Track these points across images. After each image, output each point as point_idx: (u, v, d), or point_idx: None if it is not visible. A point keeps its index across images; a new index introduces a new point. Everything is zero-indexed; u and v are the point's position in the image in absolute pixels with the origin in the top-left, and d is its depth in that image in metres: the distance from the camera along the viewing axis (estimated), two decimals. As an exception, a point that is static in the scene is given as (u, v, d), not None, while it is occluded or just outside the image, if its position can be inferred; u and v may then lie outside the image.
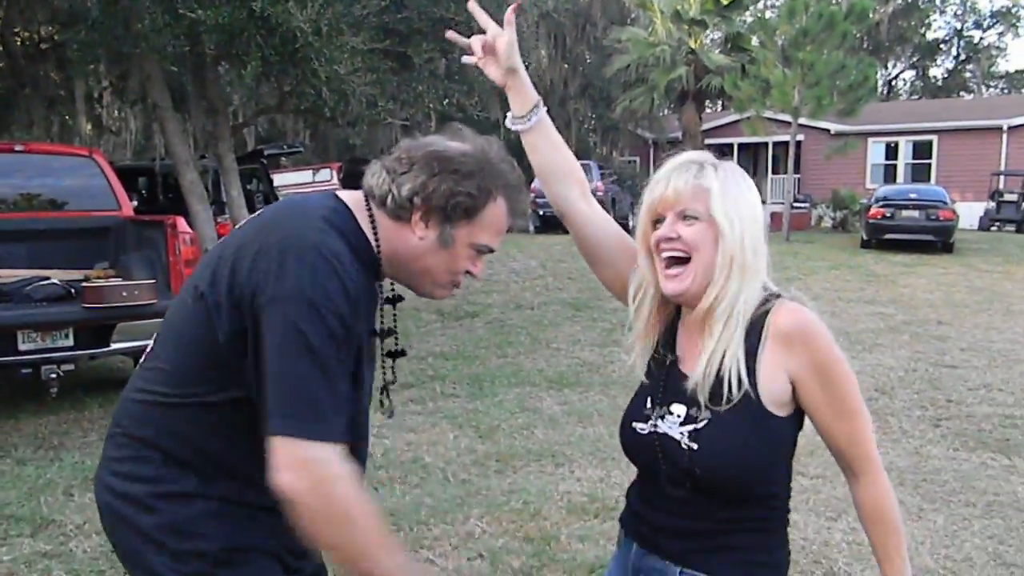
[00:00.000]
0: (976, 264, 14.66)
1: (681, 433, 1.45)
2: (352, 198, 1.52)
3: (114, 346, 5.49)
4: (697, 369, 1.45)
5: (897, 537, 1.47)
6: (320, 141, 22.78)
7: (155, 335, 1.57)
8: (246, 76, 8.26)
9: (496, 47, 1.64)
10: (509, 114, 1.70)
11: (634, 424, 1.53)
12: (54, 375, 5.26)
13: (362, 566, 1.35)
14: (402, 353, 1.70)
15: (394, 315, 1.67)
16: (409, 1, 8.33)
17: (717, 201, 1.44)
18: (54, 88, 13.02)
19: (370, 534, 1.36)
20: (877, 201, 17.48)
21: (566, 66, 27.48)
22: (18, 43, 12.26)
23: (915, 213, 16.77)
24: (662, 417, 1.49)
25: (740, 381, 1.41)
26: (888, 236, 16.68)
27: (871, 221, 17.03)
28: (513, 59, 1.65)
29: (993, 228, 22.36)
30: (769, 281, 1.49)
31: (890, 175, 25.85)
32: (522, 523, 3.92)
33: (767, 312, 1.43)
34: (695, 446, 1.43)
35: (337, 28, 7.14)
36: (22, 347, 5.22)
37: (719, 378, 1.43)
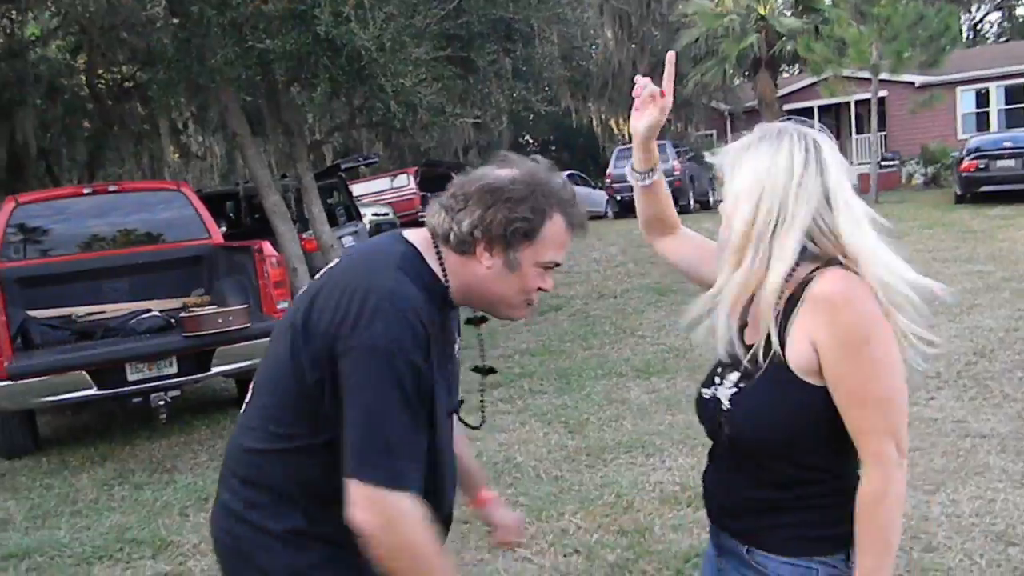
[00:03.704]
0: (1081, 210, 13.93)
1: (727, 396, 1.53)
2: (419, 237, 1.61)
3: (215, 370, 5.78)
4: (723, 334, 1.53)
5: (878, 542, 1.42)
6: (395, 149, 23.16)
7: (253, 382, 1.68)
8: (317, 97, 8.50)
9: (662, 104, 1.70)
10: (630, 165, 1.81)
11: (702, 390, 1.62)
12: (162, 402, 5.58)
13: None
14: (491, 370, 1.82)
15: (479, 336, 1.76)
16: (467, 6, 8.42)
17: (727, 176, 1.54)
18: (140, 124, 13.63)
19: (434, 572, 1.48)
20: (969, 153, 16.74)
21: (633, 47, 27.18)
22: (103, 85, 12.90)
23: (1011, 162, 16.00)
24: (722, 382, 1.56)
25: (769, 345, 1.45)
26: (983, 189, 15.96)
27: (964, 174, 16.34)
28: (659, 123, 1.73)
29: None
30: (861, 246, 1.45)
31: (983, 123, 24.68)
32: (616, 516, 3.97)
33: (812, 279, 1.44)
34: (730, 407, 1.51)
35: (399, 42, 7.29)
36: (131, 377, 5.55)
37: (752, 343, 1.50)
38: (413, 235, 1.62)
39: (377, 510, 1.43)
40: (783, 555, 1.49)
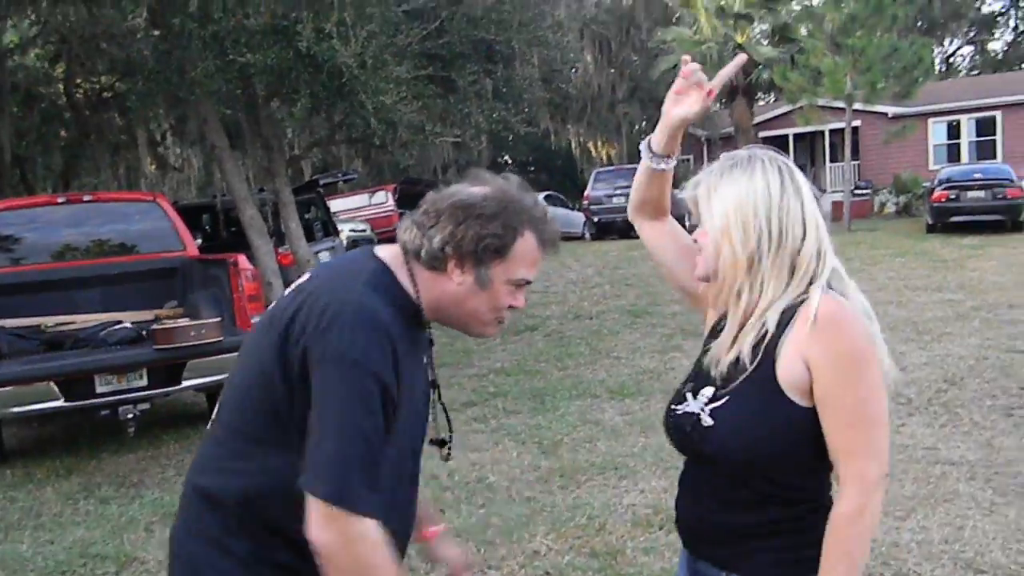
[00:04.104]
0: (1049, 242, 14.19)
1: (703, 409, 1.51)
2: (390, 253, 1.60)
3: (186, 383, 5.71)
4: (716, 352, 1.53)
5: (845, 563, 1.41)
6: (374, 166, 23.17)
7: (220, 398, 1.66)
8: (297, 112, 8.51)
9: (709, 92, 1.62)
10: (648, 144, 1.70)
11: (672, 405, 1.60)
12: (131, 415, 5.50)
13: None
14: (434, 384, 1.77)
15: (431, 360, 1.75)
16: (449, 26, 8.48)
17: (703, 205, 1.53)
18: (117, 134, 13.54)
19: None
20: (940, 183, 17.06)
21: (612, 71, 27.49)
22: (80, 94, 12.81)
23: (980, 193, 16.33)
24: (695, 397, 1.55)
25: (755, 359, 1.45)
26: (954, 219, 16.25)
27: (935, 204, 16.63)
28: (695, 117, 1.65)
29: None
30: (833, 273, 1.49)
31: (954, 155, 25.12)
32: (587, 538, 3.96)
33: (802, 302, 1.46)
34: (711, 422, 1.49)
35: (381, 60, 7.32)
36: (100, 389, 5.47)
37: (737, 360, 1.48)
38: (384, 251, 1.61)
39: (336, 528, 1.40)
40: None
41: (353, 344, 1.43)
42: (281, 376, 1.48)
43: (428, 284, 1.57)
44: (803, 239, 1.48)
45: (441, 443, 1.76)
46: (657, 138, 1.68)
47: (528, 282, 1.60)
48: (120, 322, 6.16)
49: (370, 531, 1.42)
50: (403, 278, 1.57)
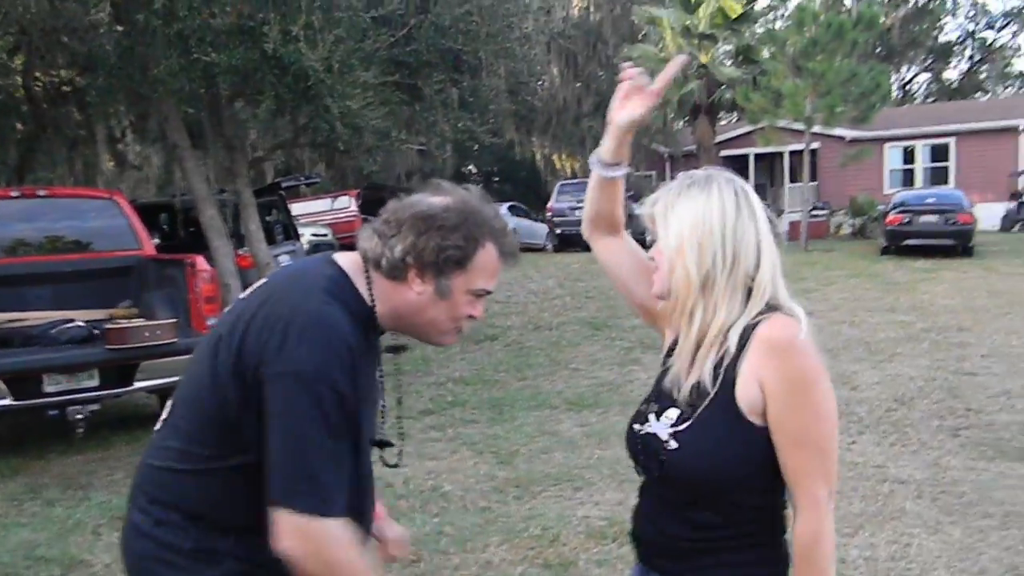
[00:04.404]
0: (996, 267, 14.55)
1: (668, 434, 1.51)
2: (349, 261, 1.60)
3: (138, 384, 5.62)
4: (671, 373, 1.54)
5: None
6: (337, 170, 22.99)
7: (171, 401, 1.65)
8: (261, 114, 8.43)
9: (649, 101, 1.63)
10: (597, 155, 1.70)
11: (634, 424, 1.61)
12: (80, 415, 5.39)
13: None
14: (403, 348, 1.83)
15: (395, 365, 1.77)
16: (417, 34, 8.45)
17: (660, 223, 1.54)
18: (75, 129, 13.26)
19: None
20: (895, 207, 17.41)
21: (579, 85, 27.63)
22: (39, 87, 12.54)
23: (933, 218, 16.69)
24: (658, 418, 1.55)
25: (715, 381, 1.47)
26: (907, 242, 16.59)
27: (889, 227, 16.96)
28: (641, 120, 1.66)
29: (1015, 229, 22.15)
30: (782, 296, 1.51)
31: (908, 179, 25.68)
32: (541, 549, 3.96)
33: (758, 323, 1.47)
34: (675, 445, 1.49)
35: (348, 64, 7.28)
36: (48, 389, 5.36)
37: (697, 384, 1.49)
38: (343, 258, 1.62)
39: (304, 538, 1.42)
40: None
41: (312, 356, 1.43)
42: (235, 385, 1.48)
43: (387, 293, 1.58)
44: (757, 262, 1.50)
45: (381, 444, 1.76)
46: (606, 146, 1.68)
47: (488, 292, 1.62)
48: (72, 320, 6.04)
49: (340, 532, 1.45)
50: (360, 285, 1.58)
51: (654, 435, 1.54)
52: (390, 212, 1.58)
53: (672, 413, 1.53)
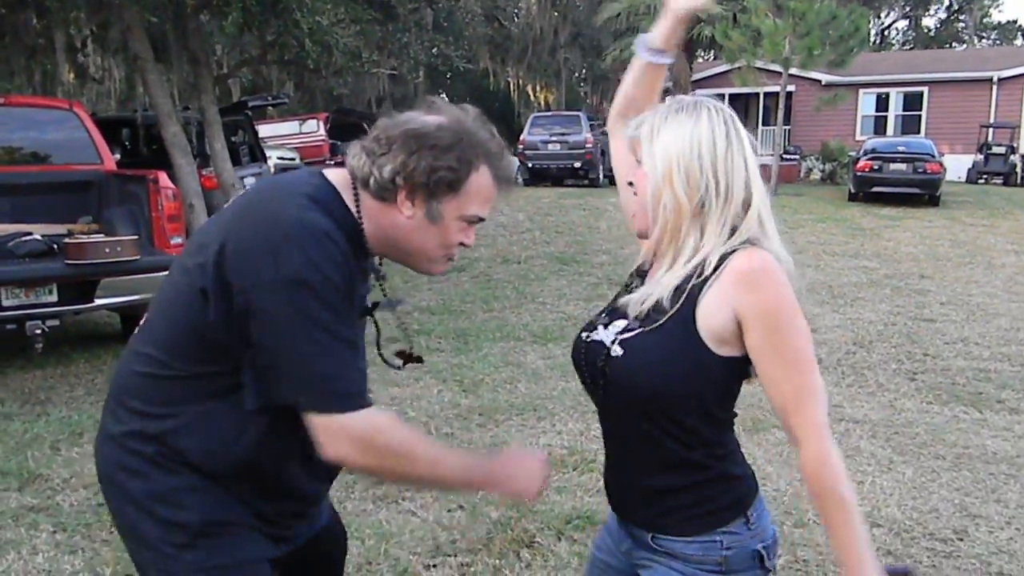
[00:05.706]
0: (961, 217, 14.74)
1: (612, 340, 1.49)
2: (338, 176, 1.53)
3: (98, 301, 5.50)
4: (641, 291, 1.50)
5: (841, 512, 1.39)
6: (306, 92, 22.51)
7: (149, 307, 1.59)
8: (227, 27, 8.17)
9: None
10: (644, 40, 1.65)
11: (582, 334, 1.58)
12: (39, 331, 5.28)
13: (434, 487, 1.53)
14: (418, 359, 1.90)
15: (384, 290, 1.71)
16: (393, -51, 8.21)
17: (646, 146, 1.49)
18: (34, 37, 12.78)
19: (428, 461, 1.50)
20: (865, 153, 17.49)
21: (556, 14, 27.15)
22: (-5, -9, 12.02)
23: (903, 166, 16.81)
24: (606, 328, 1.53)
25: (676, 301, 1.44)
26: (875, 189, 16.73)
27: (859, 174, 17.07)
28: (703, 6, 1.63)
29: (980, 181, 22.40)
30: (775, 243, 1.47)
31: (880, 127, 25.79)
32: (502, 476, 3.99)
33: (731, 253, 1.44)
34: (620, 351, 1.47)
35: (319, -22, 7.05)
36: (5, 303, 5.24)
37: (658, 301, 1.46)
38: (332, 173, 1.54)
39: (350, 438, 1.41)
40: (686, 536, 1.51)
41: (303, 259, 1.37)
42: (219, 298, 1.42)
43: (375, 215, 1.51)
44: (745, 196, 1.46)
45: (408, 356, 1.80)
46: (658, 31, 1.64)
47: (481, 219, 1.55)
48: (30, 234, 5.88)
49: (380, 419, 1.45)
50: (349, 202, 1.51)
51: (600, 342, 1.51)
52: (380, 129, 1.50)
53: (620, 323, 1.51)
